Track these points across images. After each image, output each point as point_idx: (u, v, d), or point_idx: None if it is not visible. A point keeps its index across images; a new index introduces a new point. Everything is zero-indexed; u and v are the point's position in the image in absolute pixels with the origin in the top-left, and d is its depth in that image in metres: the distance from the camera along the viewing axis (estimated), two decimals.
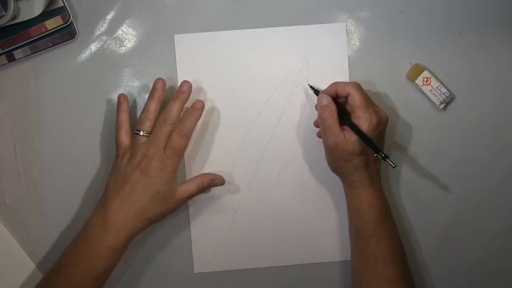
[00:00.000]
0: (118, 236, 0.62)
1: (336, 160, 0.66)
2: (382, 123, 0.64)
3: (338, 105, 0.66)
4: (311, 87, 0.69)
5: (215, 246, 0.71)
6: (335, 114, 0.65)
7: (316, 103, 0.68)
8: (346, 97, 0.65)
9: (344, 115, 0.65)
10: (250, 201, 0.71)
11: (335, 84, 0.66)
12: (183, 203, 0.67)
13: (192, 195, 0.67)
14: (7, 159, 0.69)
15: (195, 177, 0.68)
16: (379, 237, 0.65)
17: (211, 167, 0.70)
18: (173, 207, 0.66)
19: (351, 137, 0.63)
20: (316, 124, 0.70)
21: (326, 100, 0.66)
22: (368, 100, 0.64)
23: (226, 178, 0.70)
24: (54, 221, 0.69)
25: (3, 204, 0.69)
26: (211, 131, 0.70)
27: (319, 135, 0.70)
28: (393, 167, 0.62)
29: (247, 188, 0.71)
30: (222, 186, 0.70)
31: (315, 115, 0.69)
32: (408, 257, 0.71)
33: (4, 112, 0.69)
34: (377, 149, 0.63)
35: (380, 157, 0.63)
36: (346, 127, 0.65)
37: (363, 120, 0.63)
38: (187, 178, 0.70)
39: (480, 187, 0.72)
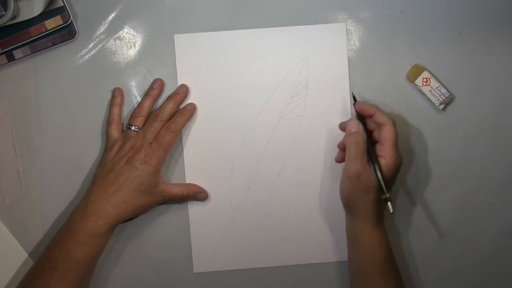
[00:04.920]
0: (98, 222, 0.63)
1: (355, 190, 0.64)
2: (400, 166, 0.64)
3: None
4: (354, 96, 0.68)
5: (214, 246, 0.71)
6: (363, 144, 0.64)
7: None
8: (373, 126, 0.66)
9: (371, 148, 0.64)
10: (250, 201, 0.71)
11: (376, 108, 0.66)
12: (163, 200, 0.68)
13: (172, 198, 0.68)
14: (7, 159, 0.69)
15: (183, 184, 0.70)
16: (386, 273, 0.64)
17: (211, 167, 0.70)
18: (155, 201, 0.67)
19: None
20: (341, 146, 0.68)
21: (358, 127, 0.65)
22: (398, 140, 0.64)
23: (226, 179, 0.70)
24: (54, 221, 0.70)
25: (3, 203, 0.69)
26: (211, 131, 0.70)
27: (338, 160, 0.69)
28: (391, 213, 0.62)
29: (246, 188, 0.71)
30: (222, 186, 0.70)
31: (315, 115, 0.70)
32: (408, 257, 0.71)
33: (4, 112, 0.69)
34: (386, 189, 0.62)
35: (387, 200, 0.62)
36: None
37: (390, 157, 0.63)
38: (187, 178, 0.70)
39: (480, 188, 0.72)
